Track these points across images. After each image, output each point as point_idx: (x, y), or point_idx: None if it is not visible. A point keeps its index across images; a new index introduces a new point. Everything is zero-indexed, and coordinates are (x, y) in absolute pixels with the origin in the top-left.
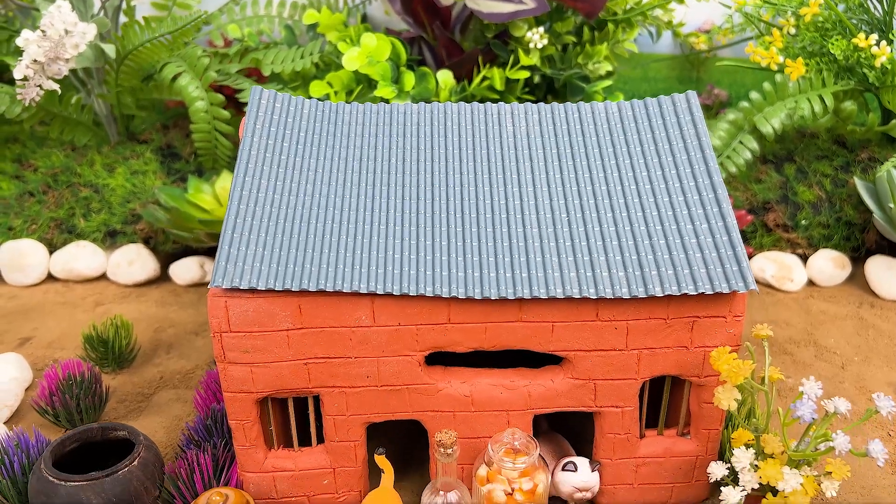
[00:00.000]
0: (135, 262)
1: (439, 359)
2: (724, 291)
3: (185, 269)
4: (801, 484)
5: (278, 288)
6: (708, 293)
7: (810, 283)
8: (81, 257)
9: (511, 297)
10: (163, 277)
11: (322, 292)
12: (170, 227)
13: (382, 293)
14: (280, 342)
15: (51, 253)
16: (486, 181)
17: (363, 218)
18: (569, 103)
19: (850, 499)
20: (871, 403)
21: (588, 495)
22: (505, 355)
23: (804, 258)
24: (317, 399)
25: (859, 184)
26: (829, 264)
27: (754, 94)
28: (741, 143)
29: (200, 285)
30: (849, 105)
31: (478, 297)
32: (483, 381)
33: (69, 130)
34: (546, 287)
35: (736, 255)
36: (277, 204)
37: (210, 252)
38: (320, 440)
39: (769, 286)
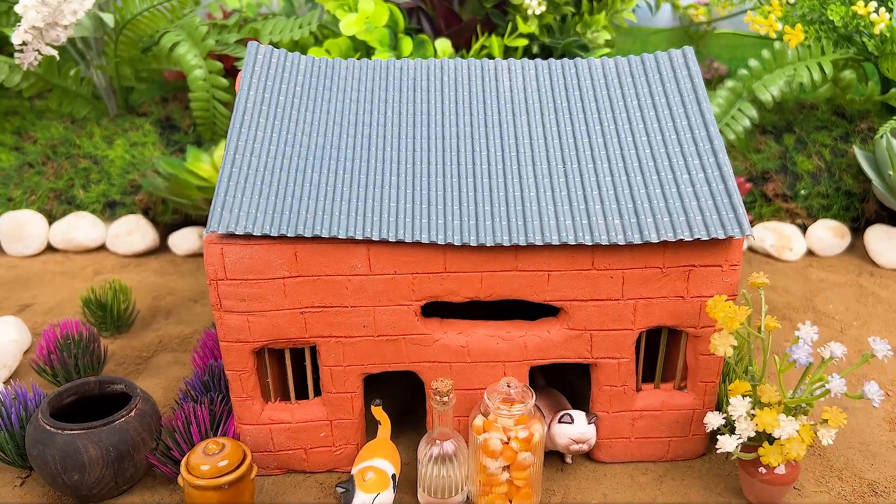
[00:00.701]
0: (134, 232)
1: (436, 312)
2: (720, 237)
3: (184, 239)
4: (798, 431)
5: (274, 234)
6: (704, 239)
7: (809, 252)
8: (81, 227)
9: (507, 243)
10: (162, 248)
11: (318, 239)
12: (168, 194)
13: (378, 240)
14: (276, 290)
15: (50, 224)
16: (482, 134)
17: (359, 168)
18: (565, 59)
19: (847, 454)
20: (869, 367)
21: (584, 447)
22: (501, 312)
23: (803, 228)
24: (314, 350)
25: (858, 153)
26: (829, 234)
27: (753, 62)
28: (740, 110)
29: (199, 255)
30: (848, 74)
31: (473, 243)
32: (479, 332)
33: (68, 102)
34: (542, 234)
35: (732, 202)
36: (273, 154)
37: None
38: (317, 393)
39: (768, 256)
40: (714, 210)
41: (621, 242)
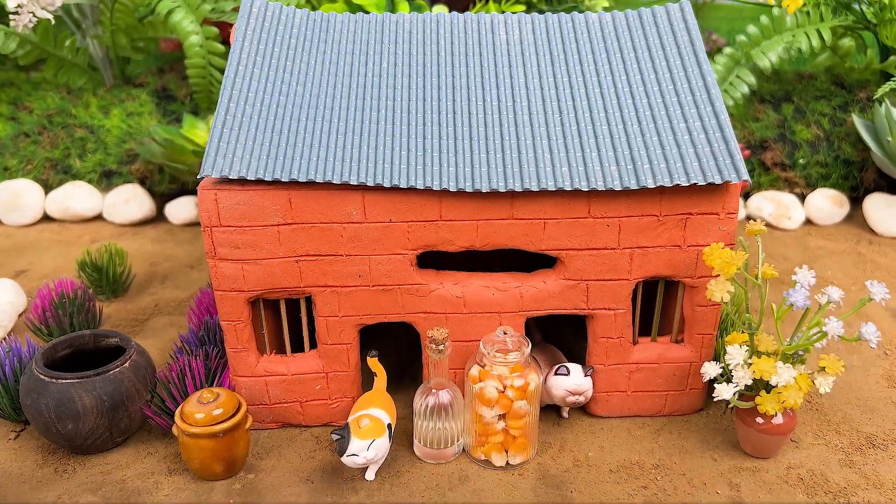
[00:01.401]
0: (130, 200)
1: (432, 266)
2: (717, 182)
3: (181, 208)
4: (795, 379)
5: (268, 178)
6: (700, 184)
7: (808, 222)
8: (77, 197)
9: (502, 189)
10: (159, 218)
11: (312, 184)
12: (165, 160)
13: (373, 185)
14: (271, 238)
15: (46, 193)
16: (478, 85)
17: (355, 117)
18: (562, 13)
19: (845, 409)
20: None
21: (581, 399)
22: (497, 268)
23: (802, 198)
24: (309, 302)
25: (857, 121)
26: (827, 202)
27: (752, 28)
28: (738, 77)
29: (196, 224)
30: (846, 42)
31: (469, 189)
32: (475, 282)
33: (64, 72)
34: (538, 180)
35: (728, 148)
36: (268, 103)
37: None
38: (313, 346)
39: (767, 224)
40: (711, 156)
41: (618, 188)
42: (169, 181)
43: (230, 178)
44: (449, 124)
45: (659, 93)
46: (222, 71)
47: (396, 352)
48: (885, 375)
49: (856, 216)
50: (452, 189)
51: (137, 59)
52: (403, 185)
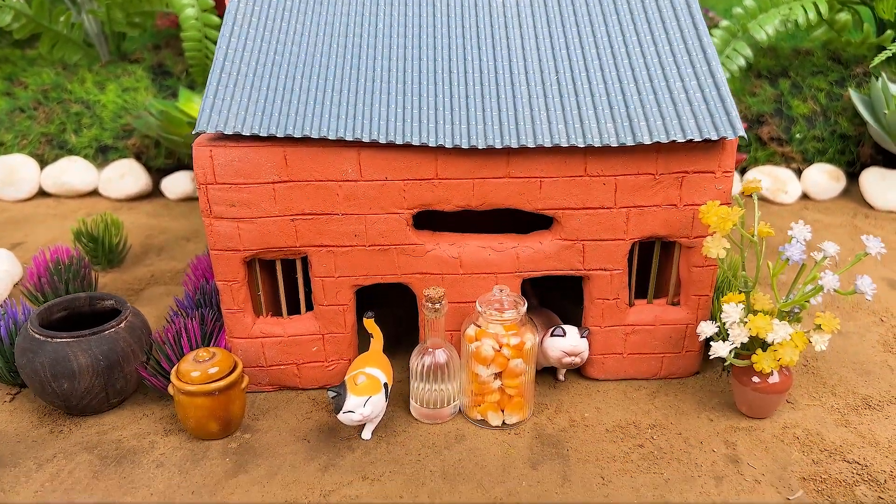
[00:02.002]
0: (126, 175)
1: (429, 228)
2: (713, 138)
3: (177, 183)
4: (791, 336)
5: (263, 134)
6: (696, 140)
7: (804, 196)
8: (73, 171)
9: (498, 146)
10: (155, 193)
11: (307, 141)
12: (161, 132)
13: (368, 141)
14: (266, 196)
15: (42, 168)
16: (474, 44)
17: (349, 75)
18: None
19: (841, 372)
20: (863, 299)
21: (577, 360)
22: (492, 232)
23: (798, 173)
24: (305, 263)
25: (854, 95)
26: (824, 177)
27: (748, 2)
28: (735, 50)
29: (192, 199)
30: (843, 16)
31: (465, 146)
32: (472, 243)
33: (59, 48)
34: (534, 137)
35: (725, 105)
36: (263, 62)
37: None
38: (309, 308)
39: (763, 199)
40: (707, 114)
41: (614, 144)
42: (165, 156)
43: (225, 133)
44: (445, 83)
45: (655, 52)
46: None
47: (394, 321)
48: (881, 341)
49: (852, 191)
50: (448, 145)
51: (133, 35)
52: (399, 141)
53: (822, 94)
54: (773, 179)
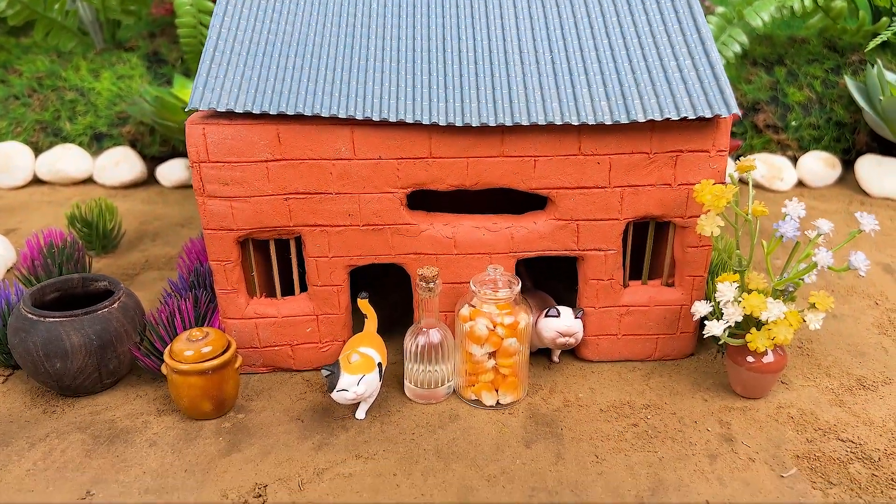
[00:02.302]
0: (121, 162)
1: (423, 208)
2: (707, 116)
3: (172, 171)
4: (785, 315)
5: (256, 111)
6: (691, 118)
7: (800, 183)
8: (67, 159)
9: (492, 123)
10: (149, 181)
11: (300, 119)
12: (155, 118)
13: (362, 119)
14: (259, 174)
15: (36, 156)
16: (468, 23)
17: (343, 53)
18: None
19: (835, 354)
20: (858, 279)
21: (571, 341)
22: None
23: (794, 161)
24: (299, 243)
25: (850, 83)
26: (820, 164)
27: None
28: (730, 36)
29: (187, 186)
30: (839, 3)
31: (459, 123)
32: (466, 223)
33: (54, 35)
34: (528, 114)
35: (719, 84)
36: (256, 40)
37: None
38: (304, 289)
39: (759, 186)
40: (701, 92)
41: (608, 122)
42: (160, 144)
43: (218, 110)
44: (439, 61)
45: (650, 31)
46: None
47: (389, 306)
48: (876, 323)
49: (848, 178)
50: (442, 123)
51: (128, 23)
52: (392, 118)
53: (817, 81)
54: (769, 167)
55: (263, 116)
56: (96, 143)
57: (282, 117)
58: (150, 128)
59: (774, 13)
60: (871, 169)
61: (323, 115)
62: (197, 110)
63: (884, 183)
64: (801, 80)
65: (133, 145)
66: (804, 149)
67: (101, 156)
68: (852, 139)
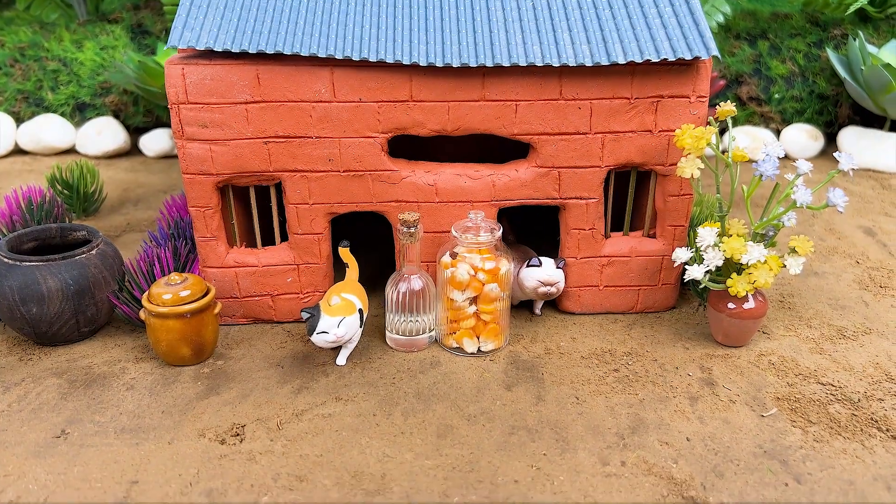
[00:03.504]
0: (104, 131)
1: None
2: (687, 58)
3: (155, 141)
4: (766, 258)
5: (235, 50)
6: (670, 59)
7: (784, 156)
8: (49, 129)
9: (473, 64)
10: (133, 151)
11: (280, 59)
12: (138, 83)
13: (341, 58)
14: (239, 117)
15: (18, 125)
16: None
17: None
18: None
19: (817, 307)
20: (840, 241)
21: (553, 290)
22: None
23: (777, 133)
24: (279, 191)
25: (832, 55)
26: (803, 136)
27: None
28: (713, 6)
29: (170, 157)
30: None
31: (439, 63)
32: (447, 171)
33: (37, 6)
34: (508, 55)
35: (699, 28)
36: None
37: None
38: (284, 239)
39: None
40: (681, 35)
41: (588, 63)
42: (143, 114)
43: (198, 48)
44: (420, 5)
45: None
46: None
47: (372, 263)
48: (857, 280)
49: (830, 150)
50: (423, 63)
51: None
52: (372, 58)
53: (800, 55)
54: (753, 138)
55: (243, 56)
56: (79, 113)
57: (261, 57)
58: (133, 97)
59: None
60: (853, 141)
61: (302, 54)
62: (176, 49)
63: (865, 155)
64: (783, 54)
65: (116, 115)
66: (787, 121)
67: (84, 126)
68: (835, 112)
